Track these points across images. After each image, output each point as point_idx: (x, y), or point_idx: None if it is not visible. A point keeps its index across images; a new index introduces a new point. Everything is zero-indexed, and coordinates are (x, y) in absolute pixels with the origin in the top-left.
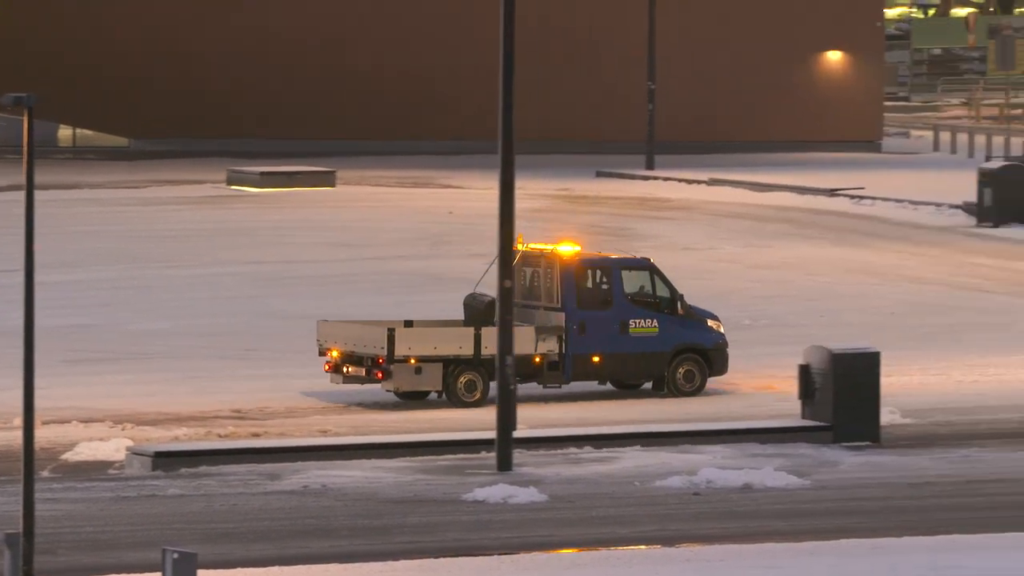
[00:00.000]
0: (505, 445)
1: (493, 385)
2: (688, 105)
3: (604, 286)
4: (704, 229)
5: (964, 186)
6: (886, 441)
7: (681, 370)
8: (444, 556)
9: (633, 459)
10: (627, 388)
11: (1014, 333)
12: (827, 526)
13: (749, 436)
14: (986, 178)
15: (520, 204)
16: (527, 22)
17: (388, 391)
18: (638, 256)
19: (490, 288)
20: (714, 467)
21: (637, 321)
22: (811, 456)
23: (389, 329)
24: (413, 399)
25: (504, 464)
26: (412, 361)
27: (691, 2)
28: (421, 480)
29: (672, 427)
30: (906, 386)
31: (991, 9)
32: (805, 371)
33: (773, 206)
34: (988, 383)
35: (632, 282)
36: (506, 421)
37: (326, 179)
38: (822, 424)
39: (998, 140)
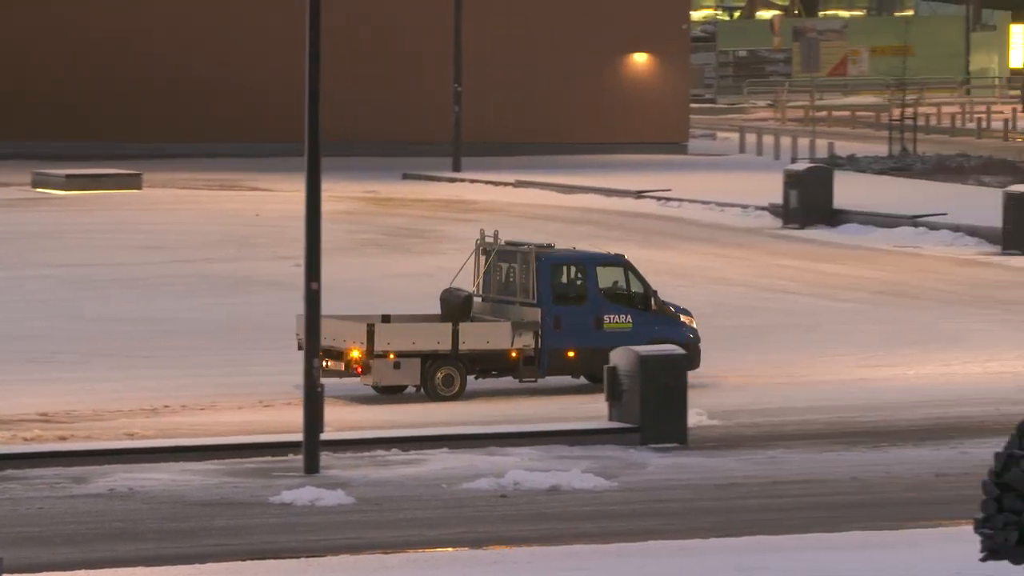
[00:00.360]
0: (312, 448)
1: (470, 379)
2: (495, 107)
3: (579, 282)
4: (511, 231)
5: (770, 188)
6: (693, 443)
7: None
8: (251, 559)
9: (441, 461)
10: (600, 382)
11: (820, 334)
12: (634, 528)
13: (557, 438)
14: (792, 180)
15: (327, 206)
16: (333, 22)
17: (367, 385)
18: (613, 252)
19: (463, 283)
20: (522, 469)
21: (611, 316)
22: (618, 458)
23: (369, 325)
24: (391, 393)
25: (311, 467)
26: (391, 356)
27: (498, 4)
28: (228, 483)
29: (479, 429)
30: (713, 387)
31: (796, 12)
32: (612, 373)
33: (580, 208)
34: (794, 384)
35: (606, 278)
36: (313, 424)
37: (132, 182)
38: (629, 426)
39: (803, 142)
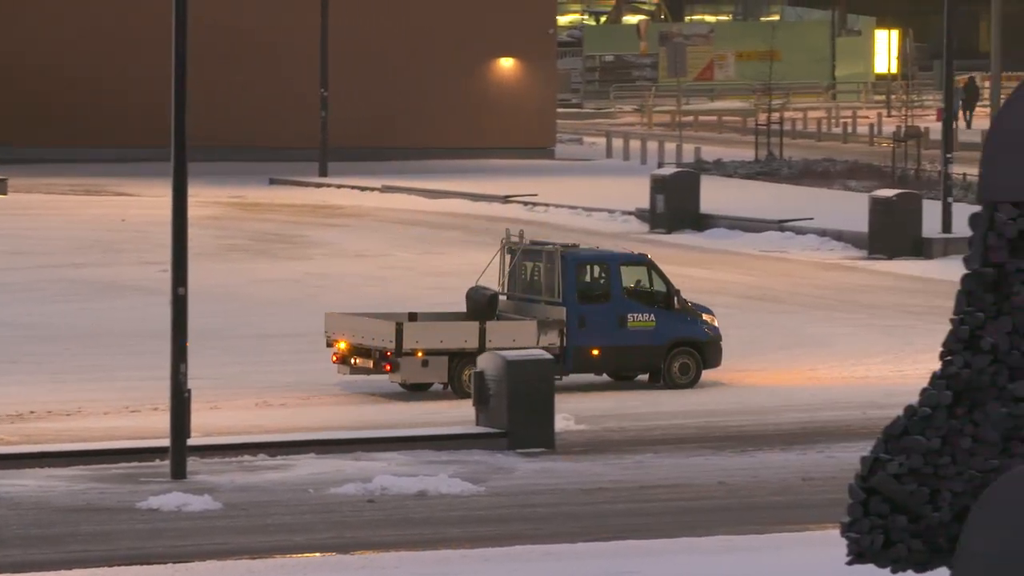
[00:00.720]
0: (179, 453)
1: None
2: (363, 112)
3: (603, 281)
4: (378, 236)
5: (637, 192)
6: (560, 447)
7: (676, 363)
8: (117, 565)
9: (308, 466)
10: (623, 380)
11: None
12: (502, 532)
13: (424, 443)
14: (658, 184)
15: (193, 211)
16: (200, 25)
17: (394, 383)
18: (637, 252)
19: (489, 282)
20: (389, 474)
21: (635, 315)
22: (486, 462)
23: (397, 323)
24: (418, 391)
25: (178, 472)
26: (419, 354)
27: (366, 8)
28: (94, 488)
29: (347, 434)
30: (580, 392)
31: (662, 16)
32: (479, 378)
33: (446, 213)
34: (660, 389)
35: (630, 277)
36: (180, 429)
37: None
38: (497, 431)
39: (670, 147)
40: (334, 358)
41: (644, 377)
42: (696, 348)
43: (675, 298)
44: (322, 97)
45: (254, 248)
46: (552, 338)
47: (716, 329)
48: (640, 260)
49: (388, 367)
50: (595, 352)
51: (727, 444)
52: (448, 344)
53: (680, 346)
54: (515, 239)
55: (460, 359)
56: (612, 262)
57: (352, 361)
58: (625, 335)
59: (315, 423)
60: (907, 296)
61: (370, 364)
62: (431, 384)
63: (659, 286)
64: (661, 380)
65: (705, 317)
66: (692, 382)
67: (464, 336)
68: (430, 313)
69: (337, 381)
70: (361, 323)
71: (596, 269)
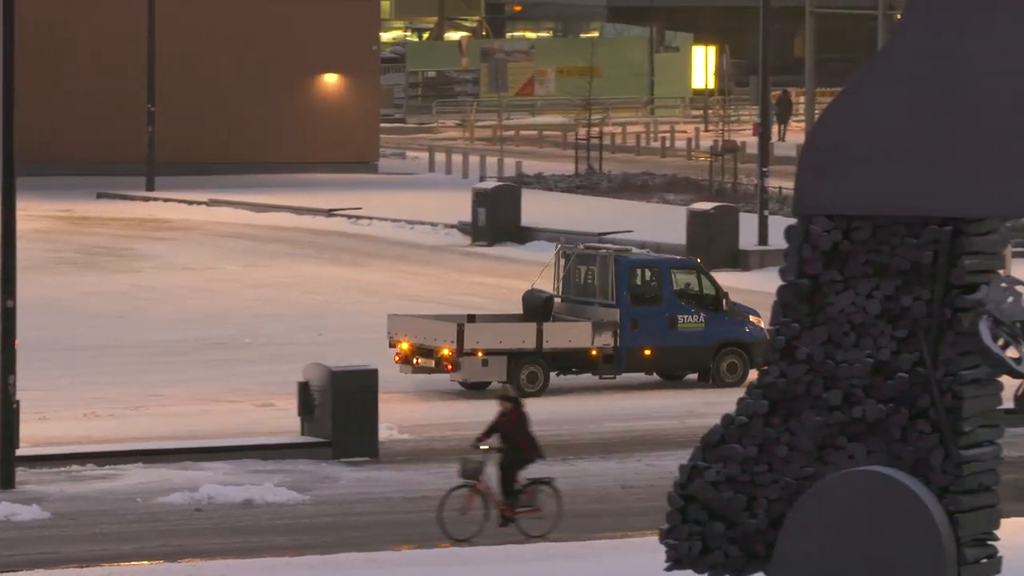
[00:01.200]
0: (7, 463)
1: (552, 376)
2: (190, 126)
3: (654, 284)
4: (204, 249)
5: (459, 206)
6: (384, 456)
7: (725, 363)
8: None
9: (135, 476)
10: (673, 379)
11: None
12: (326, 540)
13: (250, 452)
14: (480, 198)
15: (22, 225)
16: (27, 37)
17: (455, 381)
18: (687, 258)
19: (544, 285)
20: (215, 483)
21: (685, 317)
22: (311, 472)
23: (459, 324)
24: (477, 389)
25: (6, 482)
26: (479, 354)
27: (193, 24)
28: None
29: (174, 444)
30: (404, 402)
31: (483, 33)
32: (304, 388)
33: (272, 226)
34: (481, 400)
35: (680, 281)
36: (8, 439)
37: None
38: (321, 440)
39: (492, 161)
40: (396, 358)
41: (693, 376)
42: (743, 348)
43: (723, 301)
44: (149, 112)
45: (82, 261)
46: (606, 339)
47: (761, 330)
48: (690, 264)
49: (450, 366)
50: (647, 352)
51: (548, 453)
52: (507, 344)
53: (728, 346)
54: (570, 245)
55: (518, 359)
56: (663, 266)
57: (414, 361)
58: (676, 336)
59: (143, 433)
60: None
61: (432, 364)
62: (489, 383)
63: (708, 289)
64: (710, 379)
65: (751, 319)
66: (739, 381)
67: (522, 337)
68: (488, 315)
69: (163, 393)
70: (423, 324)
71: (648, 273)
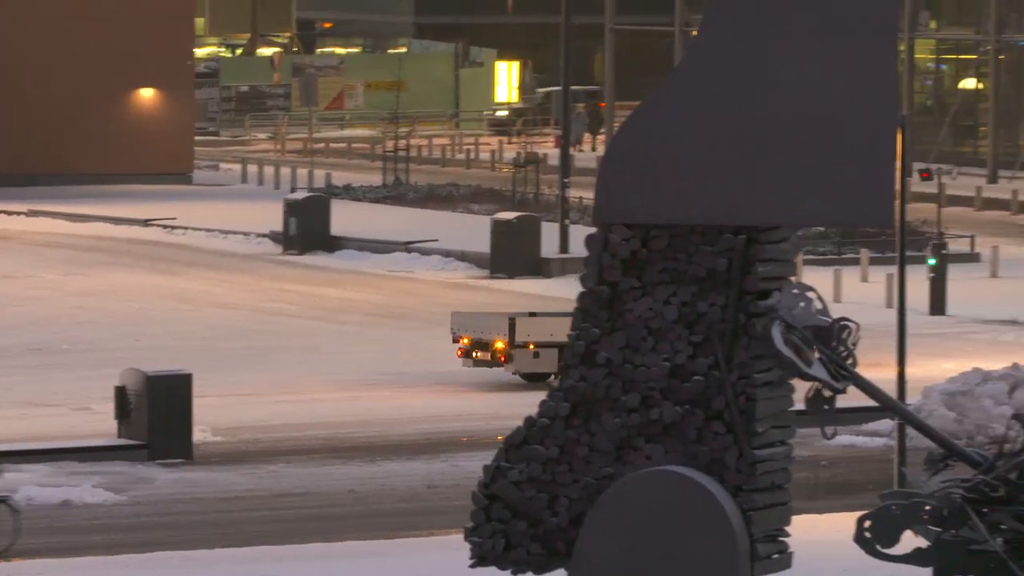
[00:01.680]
0: None
1: None
2: (7, 138)
3: None
4: (23, 258)
5: (271, 216)
6: (198, 458)
7: None
8: None
9: None
10: None
11: (319, 355)
12: (143, 540)
13: (68, 455)
14: (291, 208)
15: None
16: None
17: (510, 373)
18: None
19: None
20: (35, 485)
21: None
22: (127, 473)
23: (510, 318)
24: (535, 381)
25: None
26: (531, 347)
27: (12, 37)
28: None
29: None
30: (217, 406)
31: (295, 49)
32: (121, 393)
33: (90, 236)
34: (295, 402)
35: None
36: None
37: None
38: (138, 443)
39: (302, 172)
40: (459, 352)
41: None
42: None
43: None
44: None
45: None
46: None
47: None
48: None
49: (503, 359)
50: None
51: (356, 454)
52: (557, 337)
53: None
54: None
55: None
56: None
57: (473, 355)
58: None
59: None
60: None
61: (488, 356)
62: (548, 375)
63: None
64: None
65: None
66: None
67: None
68: (548, 312)
69: None
70: (480, 320)
71: None
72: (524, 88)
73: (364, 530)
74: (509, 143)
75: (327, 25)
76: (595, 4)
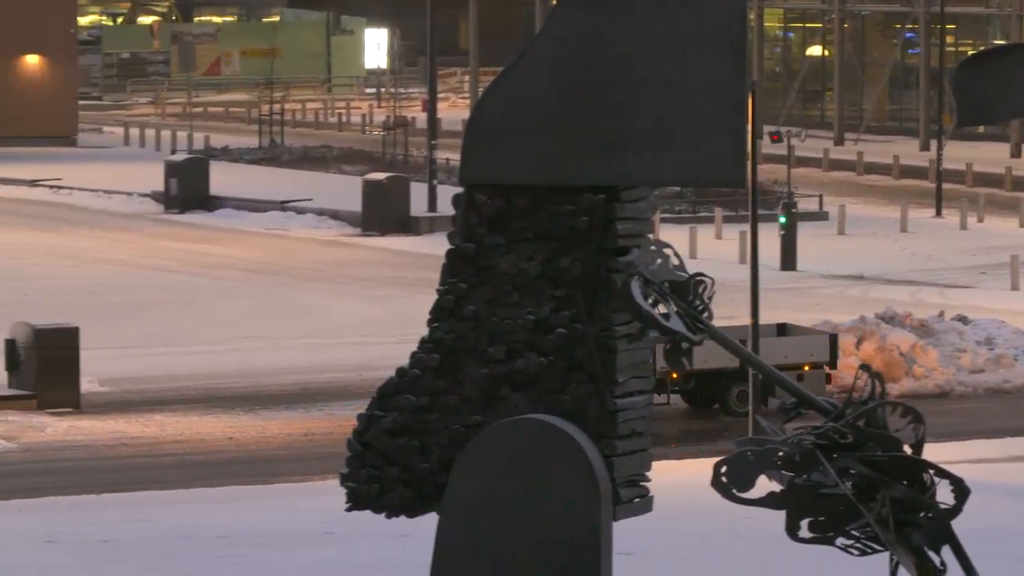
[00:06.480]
0: None
1: None
2: None
3: None
4: None
5: (152, 177)
6: (86, 407)
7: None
8: None
9: None
10: None
11: (197, 308)
12: (34, 484)
13: None
14: (172, 169)
15: None
16: None
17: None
18: None
19: None
20: None
21: None
22: (18, 422)
23: None
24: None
25: None
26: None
27: None
28: None
29: None
30: (103, 357)
31: (173, 18)
32: (11, 345)
33: None
34: (176, 354)
35: None
36: None
37: None
38: (27, 393)
39: (182, 135)
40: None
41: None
42: None
43: None
44: None
45: None
46: None
47: None
48: None
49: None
50: None
51: (236, 404)
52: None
53: None
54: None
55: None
56: None
57: None
58: None
59: None
60: (397, 269)
61: None
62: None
63: None
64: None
65: None
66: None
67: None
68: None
69: None
70: None
71: None
72: (393, 55)
73: (243, 475)
74: (379, 107)
75: None
76: None
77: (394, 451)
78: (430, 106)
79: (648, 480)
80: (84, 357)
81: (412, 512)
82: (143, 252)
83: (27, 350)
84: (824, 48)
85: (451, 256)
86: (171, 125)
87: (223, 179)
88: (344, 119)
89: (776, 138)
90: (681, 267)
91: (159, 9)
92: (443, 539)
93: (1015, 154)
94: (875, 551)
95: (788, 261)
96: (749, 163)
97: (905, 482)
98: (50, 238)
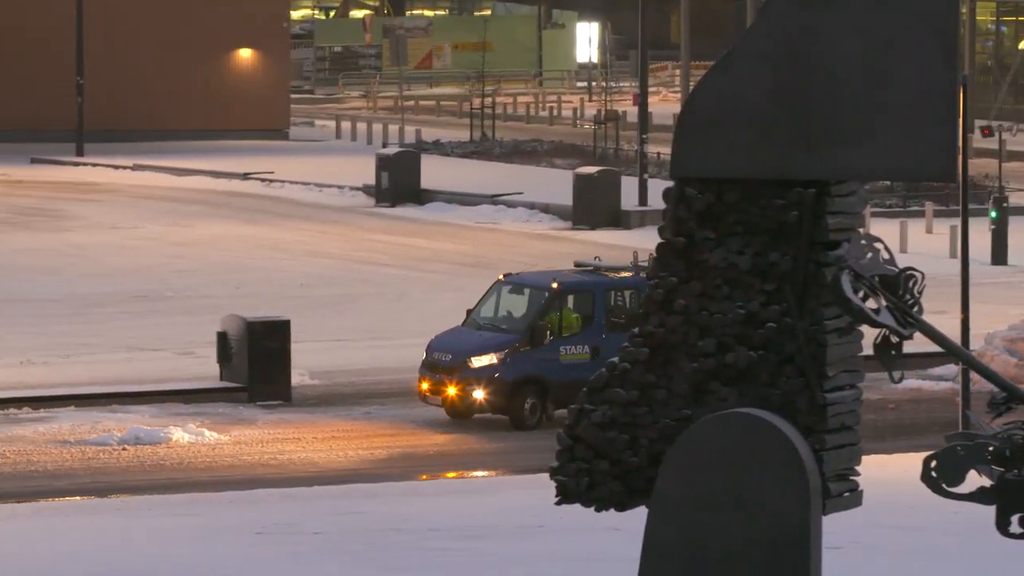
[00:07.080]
0: None
1: None
2: (117, 97)
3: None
4: (129, 210)
5: (364, 170)
6: (296, 400)
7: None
8: None
9: (68, 418)
10: None
11: (408, 302)
12: (245, 477)
13: (173, 396)
14: (383, 163)
15: None
16: None
17: None
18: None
19: None
20: (142, 424)
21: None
22: (229, 414)
23: None
24: None
25: None
26: None
27: (116, 2)
28: None
29: (103, 389)
30: (314, 350)
31: (385, 11)
32: (223, 338)
33: (192, 189)
34: (385, 347)
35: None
36: None
37: None
38: (238, 385)
39: (393, 129)
40: None
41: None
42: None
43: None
44: (78, 84)
45: (16, 221)
46: None
47: None
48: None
49: None
50: None
51: None
52: None
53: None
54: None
55: None
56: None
57: None
58: None
59: (74, 379)
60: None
61: None
62: None
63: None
64: None
65: None
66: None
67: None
68: None
69: (91, 342)
70: None
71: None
72: (603, 49)
73: (458, 468)
74: (590, 101)
75: None
76: None
77: (604, 445)
78: (641, 100)
79: (858, 474)
80: (295, 350)
81: (621, 506)
82: (354, 245)
83: (239, 343)
84: None
85: (662, 250)
86: (382, 119)
87: (434, 173)
88: (555, 113)
89: (987, 132)
90: (891, 261)
91: (371, 3)
92: (652, 533)
93: None
94: None
95: (999, 256)
96: (960, 157)
97: None
98: (262, 231)
